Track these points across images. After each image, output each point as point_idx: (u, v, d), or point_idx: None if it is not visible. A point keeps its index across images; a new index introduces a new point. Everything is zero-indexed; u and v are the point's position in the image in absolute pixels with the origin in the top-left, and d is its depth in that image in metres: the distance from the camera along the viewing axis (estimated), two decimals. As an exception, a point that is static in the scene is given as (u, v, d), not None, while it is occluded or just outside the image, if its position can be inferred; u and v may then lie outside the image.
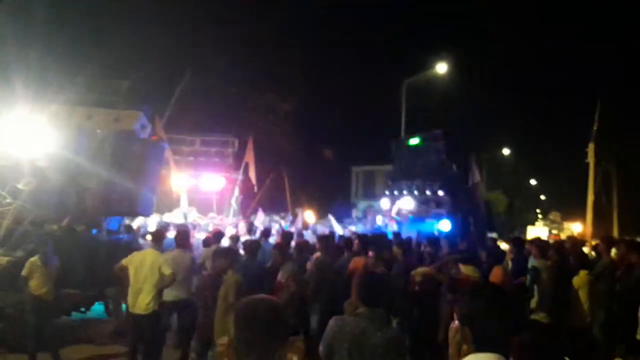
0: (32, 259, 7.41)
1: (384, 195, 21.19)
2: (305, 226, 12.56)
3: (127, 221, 10.93)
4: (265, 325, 1.89)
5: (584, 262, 7.95)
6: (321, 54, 27.74)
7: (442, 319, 6.16)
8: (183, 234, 8.18)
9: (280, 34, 25.26)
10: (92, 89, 11.74)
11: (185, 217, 14.40)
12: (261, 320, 1.89)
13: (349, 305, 4.07)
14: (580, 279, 7.45)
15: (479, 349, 1.94)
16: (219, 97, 24.13)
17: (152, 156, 10.81)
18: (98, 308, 9.99)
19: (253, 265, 7.49)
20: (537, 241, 8.70)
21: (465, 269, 6.97)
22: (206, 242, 9.30)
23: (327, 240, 8.89)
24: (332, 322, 3.49)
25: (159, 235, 7.50)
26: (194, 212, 15.61)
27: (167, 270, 6.74)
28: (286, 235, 9.18)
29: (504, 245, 11.85)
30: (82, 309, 9.65)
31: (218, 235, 9.22)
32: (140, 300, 6.66)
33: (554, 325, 7.13)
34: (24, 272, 7.33)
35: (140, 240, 10.32)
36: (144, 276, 6.67)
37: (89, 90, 11.72)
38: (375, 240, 9.41)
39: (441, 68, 21.88)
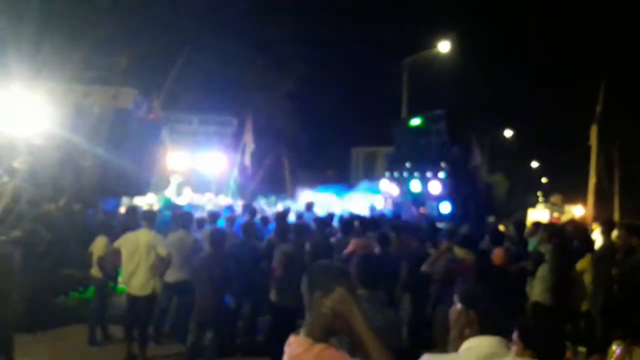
0: None
1: (383, 176, 21.11)
2: (309, 207, 12.46)
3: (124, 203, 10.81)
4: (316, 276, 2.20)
5: (589, 246, 7.89)
6: (322, 33, 27.42)
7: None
8: (186, 215, 8.09)
9: (281, 12, 24.96)
10: (89, 66, 11.61)
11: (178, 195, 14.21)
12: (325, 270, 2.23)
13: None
14: (584, 263, 7.41)
15: (482, 331, 1.92)
16: (217, 75, 23.87)
17: (149, 135, 10.75)
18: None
19: (247, 247, 7.42)
20: (544, 225, 8.66)
21: (460, 252, 6.94)
22: (200, 223, 9.16)
23: (324, 222, 8.84)
24: None
25: (151, 216, 7.39)
26: (189, 191, 15.49)
27: (163, 251, 6.66)
28: (282, 216, 9.05)
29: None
30: (80, 289, 9.63)
31: (214, 216, 9.11)
32: (136, 281, 6.60)
33: (556, 308, 7.09)
34: None
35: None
36: (138, 257, 6.59)
37: (86, 67, 11.58)
38: (374, 222, 9.33)
39: (444, 47, 21.56)
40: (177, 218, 8.31)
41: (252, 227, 7.87)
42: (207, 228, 8.48)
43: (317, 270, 2.23)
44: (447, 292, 5.54)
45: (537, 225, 9.28)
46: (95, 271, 7.45)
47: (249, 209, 9.77)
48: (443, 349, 2.02)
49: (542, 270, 7.18)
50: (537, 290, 7.17)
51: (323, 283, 2.14)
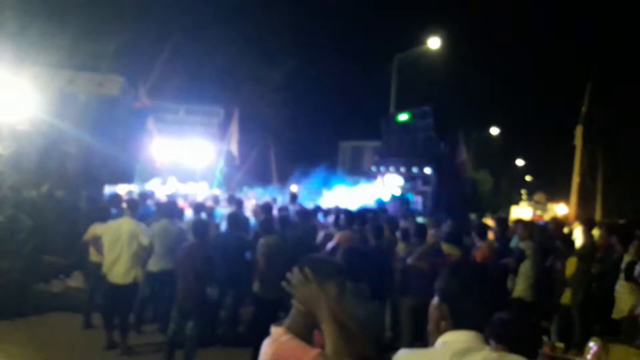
0: None
1: (371, 170, 21.19)
2: (293, 198, 12.46)
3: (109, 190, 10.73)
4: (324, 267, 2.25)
5: (570, 245, 8.00)
6: (312, 26, 27.31)
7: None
8: (171, 204, 8.05)
9: (271, 4, 24.78)
10: (75, 52, 11.47)
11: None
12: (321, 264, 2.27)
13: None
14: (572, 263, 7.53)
15: (456, 325, 1.93)
16: (205, 65, 23.70)
17: (135, 123, 10.65)
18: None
19: (233, 238, 7.42)
20: (524, 223, 8.74)
21: (446, 247, 7.00)
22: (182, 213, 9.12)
23: (306, 213, 8.88)
24: None
25: (133, 204, 7.34)
26: (174, 180, 15.41)
27: (145, 240, 6.64)
28: (266, 208, 9.03)
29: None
30: (62, 276, 9.55)
31: (197, 206, 9.08)
32: (117, 270, 6.56)
33: (536, 304, 7.19)
34: None
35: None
36: (120, 245, 6.55)
37: (72, 53, 11.45)
38: (360, 216, 9.35)
39: (433, 43, 21.62)
40: (161, 207, 8.26)
41: (237, 218, 7.85)
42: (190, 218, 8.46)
43: (310, 264, 2.23)
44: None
45: (518, 222, 9.39)
46: (94, 256, 7.32)
47: (235, 201, 9.74)
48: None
49: (524, 267, 7.26)
50: (519, 287, 7.25)
51: (316, 278, 2.15)
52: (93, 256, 7.31)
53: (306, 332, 2.14)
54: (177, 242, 7.27)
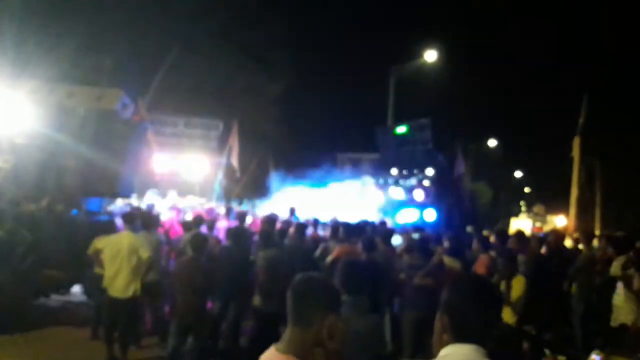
0: None
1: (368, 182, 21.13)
2: (292, 211, 12.46)
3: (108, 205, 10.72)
4: (312, 297, 2.15)
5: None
6: (310, 40, 27.51)
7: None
8: (148, 216, 8.04)
9: (270, 17, 24.95)
10: (74, 65, 11.52)
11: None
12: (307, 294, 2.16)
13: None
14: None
15: (457, 338, 1.92)
16: (204, 78, 23.79)
17: (134, 137, 10.66)
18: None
19: (237, 252, 7.40)
20: (517, 235, 8.63)
21: (447, 260, 6.99)
22: (186, 227, 9.12)
23: (303, 226, 8.89)
24: None
25: (131, 218, 7.32)
26: (174, 194, 15.39)
27: (144, 254, 6.63)
28: (269, 221, 9.04)
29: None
30: (62, 290, 9.52)
31: (197, 219, 9.07)
32: (117, 284, 6.54)
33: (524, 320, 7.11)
34: None
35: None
36: (120, 259, 6.54)
37: (71, 67, 11.49)
38: (358, 229, 9.35)
39: (430, 56, 21.71)
40: (140, 219, 8.19)
41: (241, 232, 7.86)
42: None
43: (320, 289, 2.20)
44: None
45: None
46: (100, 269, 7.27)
47: (239, 215, 9.73)
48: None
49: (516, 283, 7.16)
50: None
51: (328, 304, 2.15)
52: (98, 269, 7.28)
53: (306, 354, 2.10)
54: (157, 253, 7.32)
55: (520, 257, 7.36)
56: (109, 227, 7.80)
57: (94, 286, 7.45)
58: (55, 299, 9.32)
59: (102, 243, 6.79)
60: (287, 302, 2.17)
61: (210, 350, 6.97)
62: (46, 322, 8.01)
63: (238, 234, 7.71)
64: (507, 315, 5.94)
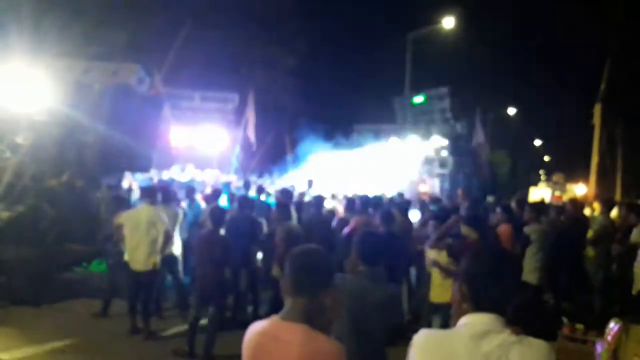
0: None
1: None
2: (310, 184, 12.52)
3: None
4: (312, 269, 2.24)
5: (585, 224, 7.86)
6: (325, 10, 27.13)
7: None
8: (165, 190, 8.16)
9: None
10: (90, 42, 11.53)
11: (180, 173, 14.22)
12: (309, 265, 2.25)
13: (349, 264, 4.06)
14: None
15: (476, 308, 1.94)
16: (219, 51, 23.68)
17: (150, 111, 10.70)
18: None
19: (242, 220, 7.49)
20: (530, 204, 8.55)
21: (465, 229, 6.95)
22: (206, 200, 9.25)
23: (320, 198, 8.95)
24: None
25: (149, 192, 7.41)
26: (191, 167, 15.50)
27: (162, 227, 6.75)
28: (285, 193, 9.09)
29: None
30: (84, 264, 9.74)
31: (216, 193, 9.16)
32: (138, 256, 6.67)
33: (543, 287, 7.13)
34: None
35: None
36: (140, 233, 6.66)
37: (87, 43, 11.51)
38: (375, 201, 9.37)
39: (448, 23, 21.24)
40: (144, 192, 8.28)
41: (246, 200, 8.03)
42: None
43: (323, 261, 2.31)
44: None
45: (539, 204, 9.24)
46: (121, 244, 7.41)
47: (245, 183, 9.93)
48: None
49: (529, 252, 7.16)
50: (524, 270, 7.15)
51: (329, 276, 2.28)
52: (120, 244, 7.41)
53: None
54: (173, 226, 7.47)
55: (532, 227, 7.30)
56: (128, 202, 7.92)
57: (114, 261, 7.58)
58: (77, 272, 9.54)
59: (122, 218, 6.90)
60: (289, 274, 2.25)
61: (230, 321, 7.09)
62: (69, 294, 8.20)
63: (241, 202, 7.87)
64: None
